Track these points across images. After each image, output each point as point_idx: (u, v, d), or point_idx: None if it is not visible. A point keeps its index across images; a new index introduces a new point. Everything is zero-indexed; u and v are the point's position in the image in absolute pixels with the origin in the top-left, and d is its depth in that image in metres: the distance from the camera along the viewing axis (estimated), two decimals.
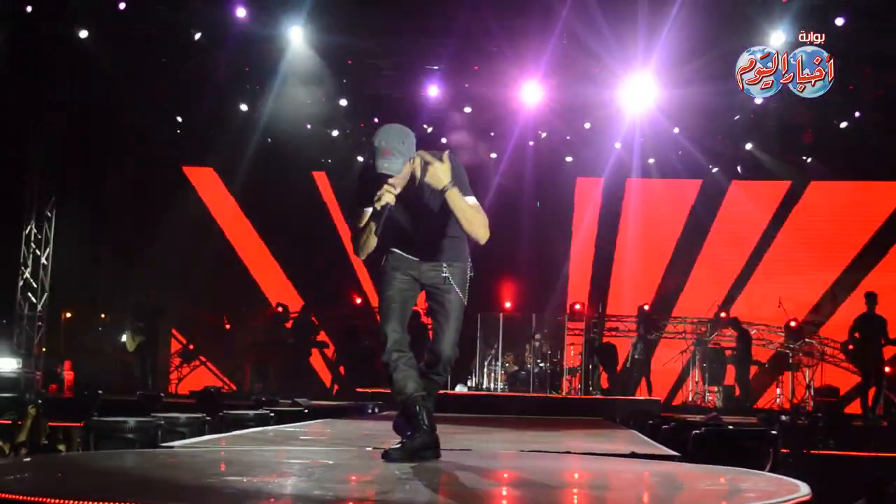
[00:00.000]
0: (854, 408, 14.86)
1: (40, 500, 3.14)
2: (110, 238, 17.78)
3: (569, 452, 6.36)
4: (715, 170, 19.41)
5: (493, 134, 18.99)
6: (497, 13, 15.24)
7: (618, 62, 15.97)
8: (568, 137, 18.91)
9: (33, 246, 16.43)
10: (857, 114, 16.86)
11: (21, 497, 3.18)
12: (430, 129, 18.39)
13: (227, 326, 19.15)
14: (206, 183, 19.81)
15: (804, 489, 3.84)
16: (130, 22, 15.02)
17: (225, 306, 19.19)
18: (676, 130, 18.00)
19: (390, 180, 4.56)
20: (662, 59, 15.29)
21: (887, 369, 14.83)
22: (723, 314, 18.18)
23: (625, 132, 18.18)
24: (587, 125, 18.25)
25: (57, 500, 3.12)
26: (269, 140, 18.29)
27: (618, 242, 19.68)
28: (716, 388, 17.26)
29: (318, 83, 16.61)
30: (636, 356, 17.54)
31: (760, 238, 19.44)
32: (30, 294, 16.36)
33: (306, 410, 10.19)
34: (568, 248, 19.38)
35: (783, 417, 11.41)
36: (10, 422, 9.08)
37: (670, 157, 19.05)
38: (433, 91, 17.13)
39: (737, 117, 17.35)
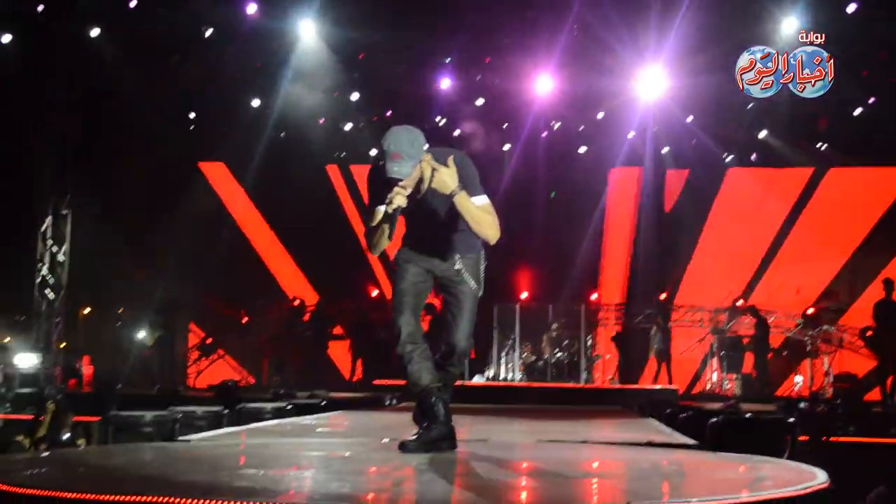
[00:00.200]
0: (873, 394, 14.78)
1: (57, 494, 3.15)
2: (125, 234, 17.84)
3: (586, 442, 6.35)
4: (729, 158, 19.33)
5: (505, 126, 18.98)
6: (508, 5, 15.23)
7: (630, 52, 15.95)
8: (581, 128, 18.87)
9: (50, 242, 16.51)
10: (871, 100, 16.74)
11: (38, 492, 3.20)
12: (442, 122, 18.40)
13: (245, 320, 19.22)
14: (219, 178, 19.87)
15: (822, 476, 3.82)
16: (141, 19, 15.07)
17: (241, 300, 19.25)
18: (690, 119, 17.94)
19: (401, 183, 4.55)
20: (674, 48, 15.26)
21: None
22: (740, 302, 18.12)
23: (638, 122, 18.15)
24: (600, 115, 18.20)
25: (74, 495, 3.14)
26: (282, 134, 18.33)
27: (632, 232, 19.60)
28: (734, 377, 17.20)
29: (330, 77, 16.62)
30: (656, 345, 17.51)
31: (777, 225, 19.36)
32: (47, 290, 16.46)
33: (324, 403, 10.22)
34: (582, 238, 19.26)
35: (802, 405, 11.35)
36: (31, 417, 9.14)
37: (684, 146, 19.00)
38: (445, 84, 17.11)
39: (750, 105, 17.27)
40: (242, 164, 18.86)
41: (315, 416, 8.79)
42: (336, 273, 19.00)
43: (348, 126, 18.78)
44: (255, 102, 17.49)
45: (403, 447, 4.87)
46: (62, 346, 16.48)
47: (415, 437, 4.93)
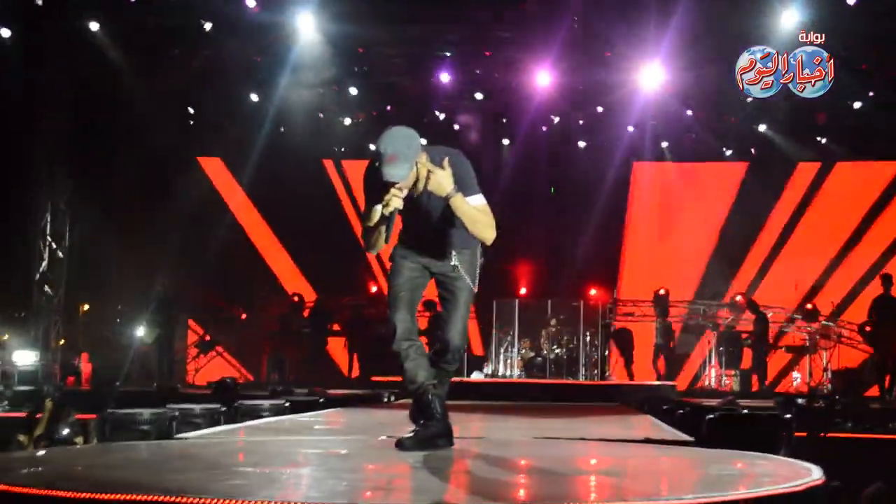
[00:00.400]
0: (872, 390, 14.80)
1: (54, 493, 3.16)
2: (124, 230, 17.83)
3: (583, 439, 6.36)
4: (729, 152, 19.35)
5: (505, 120, 18.98)
6: None
7: (629, 46, 15.94)
8: (581, 122, 18.87)
9: (49, 239, 16.50)
10: (870, 94, 16.74)
11: (35, 490, 3.21)
12: (441, 116, 18.39)
13: (243, 317, 19.23)
14: (216, 173, 19.86)
15: (816, 473, 3.83)
16: (139, 13, 15.06)
17: (239, 297, 19.26)
18: (690, 113, 17.95)
19: (397, 185, 4.53)
20: (673, 41, 15.25)
21: None
22: (739, 297, 18.12)
23: (637, 116, 18.16)
24: (599, 109, 18.21)
25: (71, 493, 3.14)
26: (282, 129, 18.33)
27: (629, 226, 19.59)
28: (733, 372, 17.21)
29: (329, 71, 16.60)
30: (659, 341, 17.52)
31: (776, 221, 19.38)
32: (46, 287, 16.45)
33: (321, 400, 10.22)
34: (582, 233, 19.21)
35: (800, 401, 11.36)
36: (27, 414, 9.14)
37: (683, 140, 19.01)
38: (445, 78, 17.10)
39: (749, 99, 17.25)
40: (240, 159, 18.84)
41: (313, 413, 8.79)
42: (334, 269, 19.00)
43: (347, 121, 18.78)
44: (254, 97, 17.49)
45: (400, 445, 4.88)
46: (61, 343, 16.47)
47: (411, 434, 4.95)
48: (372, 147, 4.35)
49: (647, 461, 4.90)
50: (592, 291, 18.69)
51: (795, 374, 17.41)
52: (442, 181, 4.57)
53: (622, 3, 15.04)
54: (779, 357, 17.88)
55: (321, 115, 18.50)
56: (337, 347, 18.89)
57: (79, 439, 7.66)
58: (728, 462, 4.73)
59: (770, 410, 8.54)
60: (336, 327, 18.78)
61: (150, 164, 18.43)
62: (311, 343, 18.09)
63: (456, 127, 18.56)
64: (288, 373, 17.36)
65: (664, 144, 19.39)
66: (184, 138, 18.60)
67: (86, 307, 18.39)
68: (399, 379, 5.11)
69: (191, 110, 18.35)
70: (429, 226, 4.89)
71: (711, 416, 6.43)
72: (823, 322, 17.31)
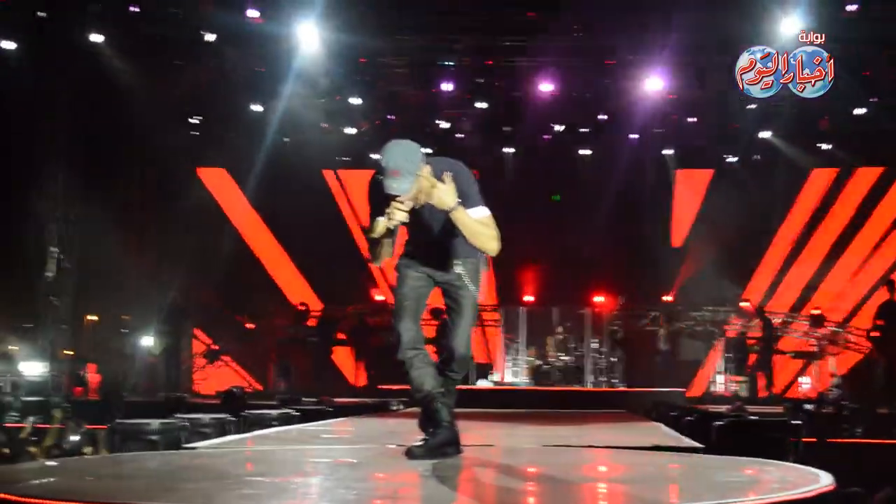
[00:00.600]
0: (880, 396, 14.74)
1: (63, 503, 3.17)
2: (131, 241, 17.86)
3: (591, 446, 6.35)
4: (731, 158, 19.34)
5: (507, 129, 18.98)
6: (509, 7, 15.26)
7: (631, 52, 15.98)
8: (584, 130, 18.86)
9: (56, 250, 16.51)
10: (873, 99, 16.73)
11: (46, 502, 3.21)
12: (444, 126, 18.40)
13: (250, 326, 19.23)
14: (221, 184, 19.90)
15: (826, 479, 3.83)
16: (144, 25, 15.12)
17: (245, 306, 19.28)
18: (693, 119, 17.96)
19: (399, 198, 4.55)
20: (675, 47, 15.28)
21: None
22: (745, 304, 18.09)
23: (640, 123, 18.17)
24: (602, 117, 18.22)
25: None
26: (285, 140, 18.38)
27: (635, 231, 19.55)
28: (740, 378, 17.18)
29: (332, 82, 16.64)
30: (662, 347, 17.51)
31: (783, 227, 19.37)
32: (53, 298, 16.45)
33: (330, 409, 10.22)
34: (587, 240, 19.19)
35: (808, 406, 11.34)
36: (31, 426, 9.16)
37: (685, 146, 19.03)
38: (447, 87, 17.13)
39: (752, 105, 17.23)
40: (244, 170, 18.88)
41: (321, 422, 8.79)
42: (339, 278, 19.02)
43: (350, 130, 18.80)
44: (257, 108, 17.53)
45: (409, 453, 4.89)
46: (69, 353, 16.48)
47: (420, 443, 4.95)
48: (374, 157, 4.36)
49: (656, 468, 4.90)
50: (599, 299, 18.67)
51: (803, 380, 17.37)
52: (444, 196, 4.56)
53: (624, 11, 15.06)
54: (786, 363, 17.84)
55: (324, 125, 18.53)
56: (342, 356, 18.90)
57: (88, 450, 7.68)
58: (738, 469, 4.73)
59: (778, 416, 8.52)
60: (341, 336, 18.78)
61: (157, 175, 18.47)
62: (317, 352, 18.09)
63: (459, 136, 18.56)
64: (295, 382, 17.37)
65: (669, 151, 19.39)
66: (188, 149, 18.64)
67: (93, 317, 18.41)
68: (406, 387, 5.11)
69: (195, 121, 18.37)
70: (432, 236, 4.89)
71: (720, 422, 6.42)
72: (831, 328, 17.28)
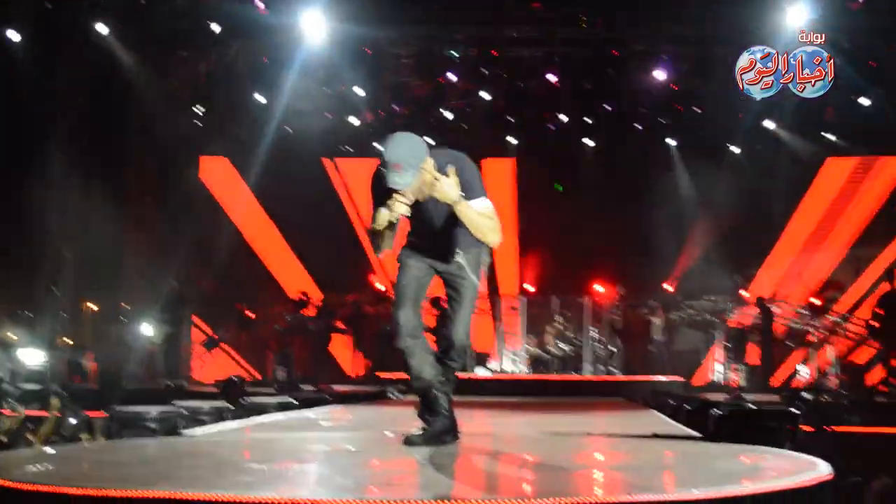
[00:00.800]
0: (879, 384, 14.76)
1: (62, 490, 3.17)
2: (131, 229, 17.85)
3: (590, 434, 6.36)
4: (734, 148, 19.32)
5: (512, 119, 18.95)
6: None
7: (635, 42, 15.97)
8: (588, 120, 18.83)
9: (55, 238, 16.50)
10: (878, 90, 16.69)
11: (44, 488, 3.22)
12: (449, 116, 18.38)
13: (249, 315, 19.23)
14: (223, 172, 19.87)
15: (824, 467, 3.83)
16: (149, 14, 15.09)
17: (244, 294, 19.27)
18: (699, 111, 17.95)
19: (402, 191, 4.55)
20: (680, 37, 15.26)
21: None
22: (744, 293, 18.09)
23: (643, 113, 18.15)
24: (606, 107, 18.20)
25: (79, 490, 3.15)
26: (290, 130, 18.35)
27: (636, 221, 19.53)
28: (738, 367, 17.19)
29: (337, 72, 16.61)
30: (657, 337, 17.53)
31: (783, 216, 19.37)
32: (52, 286, 16.45)
33: (328, 397, 10.24)
34: (588, 229, 19.17)
35: (806, 395, 11.35)
36: (37, 413, 9.16)
37: (689, 136, 19.01)
38: (452, 77, 17.09)
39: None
40: (247, 159, 18.86)
41: (319, 409, 8.80)
42: (340, 267, 19.02)
43: (354, 121, 18.77)
44: (262, 98, 17.50)
45: (408, 441, 4.91)
46: (67, 341, 16.48)
47: (419, 431, 4.97)
48: (378, 147, 4.34)
49: (655, 456, 4.91)
50: (598, 288, 18.66)
51: (801, 369, 17.37)
52: (447, 190, 4.58)
53: (628, 1, 15.07)
54: (785, 352, 17.84)
55: (328, 115, 18.50)
56: (339, 345, 18.90)
57: (86, 437, 7.68)
58: (736, 457, 4.73)
59: (776, 405, 8.53)
60: (341, 325, 18.79)
61: (158, 164, 18.46)
62: (316, 341, 18.10)
63: (463, 126, 18.53)
64: (294, 370, 17.38)
65: (672, 142, 19.38)
66: (192, 138, 18.62)
67: (92, 305, 18.41)
68: (405, 376, 5.12)
69: (199, 111, 18.35)
70: (434, 227, 4.90)
71: (718, 411, 6.42)
72: (830, 318, 17.28)
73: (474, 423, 6.38)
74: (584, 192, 19.67)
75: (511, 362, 17.17)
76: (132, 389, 12.79)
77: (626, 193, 19.04)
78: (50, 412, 8.04)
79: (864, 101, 16.88)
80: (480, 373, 16.58)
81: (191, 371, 18.34)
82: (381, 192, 4.64)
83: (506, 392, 13.61)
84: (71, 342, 16.50)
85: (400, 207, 4.57)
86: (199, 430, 6.06)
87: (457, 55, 16.76)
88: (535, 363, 17.08)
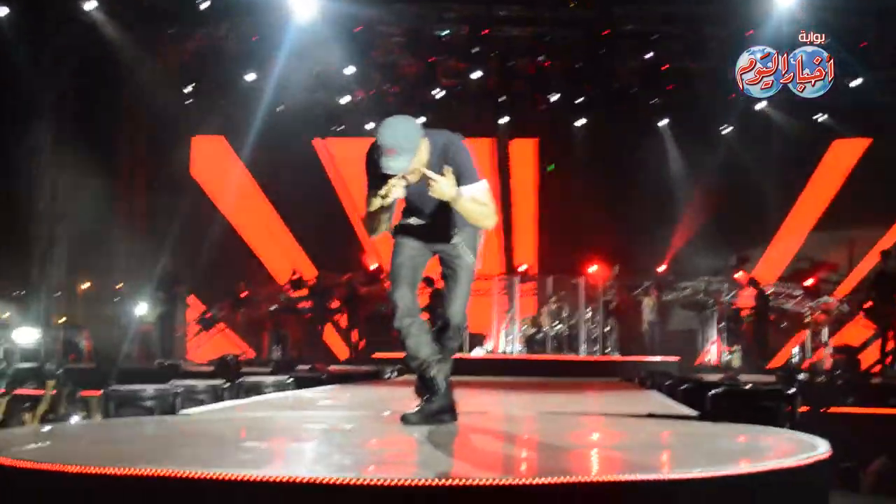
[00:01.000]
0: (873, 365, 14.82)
1: (59, 468, 3.16)
2: (124, 208, 17.83)
3: (586, 414, 6.36)
4: (726, 129, 19.32)
5: (504, 98, 18.90)
6: None
7: (627, 23, 15.93)
8: (579, 100, 18.79)
9: (49, 218, 16.46)
10: (869, 71, 16.67)
11: (41, 466, 3.21)
12: (440, 95, 18.32)
13: (244, 294, 19.21)
14: (217, 152, 19.80)
15: (823, 446, 3.83)
16: None
17: (239, 273, 19.24)
18: (689, 90, 17.92)
19: (396, 176, 4.53)
20: (672, 17, 15.21)
21: None
22: (739, 274, 18.11)
23: (635, 93, 18.12)
24: (598, 87, 18.17)
25: (76, 469, 3.14)
26: (281, 108, 18.28)
27: (629, 202, 19.52)
28: (734, 348, 17.23)
29: (328, 51, 16.53)
30: (651, 318, 17.55)
31: (777, 197, 19.37)
32: (47, 265, 16.42)
33: (324, 376, 10.23)
34: (582, 209, 19.17)
35: (801, 376, 11.38)
36: (32, 392, 9.16)
37: (681, 116, 19.00)
38: (443, 56, 17.03)
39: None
40: (239, 138, 18.78)
41: (315, 389, 8.80)
42: (334, 246, 19.00)
43: (346, 100, 18.69)
44: (252, 76, 17.42)
45: (405, 420, 4.91)
46: (62, 320, 16.47)
47: (416, 409, 4.97)
48: (370, 126, 4.33)
49: (651, 436, 4.91)
50: (593, 268, 18.65)
51: (796, 350, 17.42)
52: (444, 189, 4.57)
53: None
54: (780, 333, 17.88)
55: (318, 94, 18.43)
56: (337, 324, 18.90)
57: (82, 415, 7.68)
58: (735, 436, 4.73)
59: (771, 386, 8.55)
60: (335, 304, 18.78)
61: (151, 142, 18.40)
62: (311, 320, 18.10)
63: (454, 105, 18.47)
64: (289, 349, 17.38)
65: (663, 122, 19.37)
66: (183, 116, 18.54)
67: (86, 284, 18.38)
68: (400, 355, 5.11)
69: (189, 89, 18.27)
70: (430, 207, 4.88)
71: (714, 391, 6.43)
72: (824, 298, 17.31)
73: (471, 403, 6.37)
74: (575, 172, 19.66)
75: (507, 343, 17.19)
76: (127, 369, 12.78)
77: (618, 173, 19.05)
78: (46, 391, 8.04)
79: (855, 82, 16.85)
80: (477, 353, 16.60)
81: (186, 350, 18.34)
82: (376, 174, 4.62)
83: (501, 372, 13.61)
84: (65, 321, 16.50)
85: (394, 191, 4.56)
86: (195, 409, 6.04)
87: (447, 33, 16.70)
88: (531, 343, 17.10)
